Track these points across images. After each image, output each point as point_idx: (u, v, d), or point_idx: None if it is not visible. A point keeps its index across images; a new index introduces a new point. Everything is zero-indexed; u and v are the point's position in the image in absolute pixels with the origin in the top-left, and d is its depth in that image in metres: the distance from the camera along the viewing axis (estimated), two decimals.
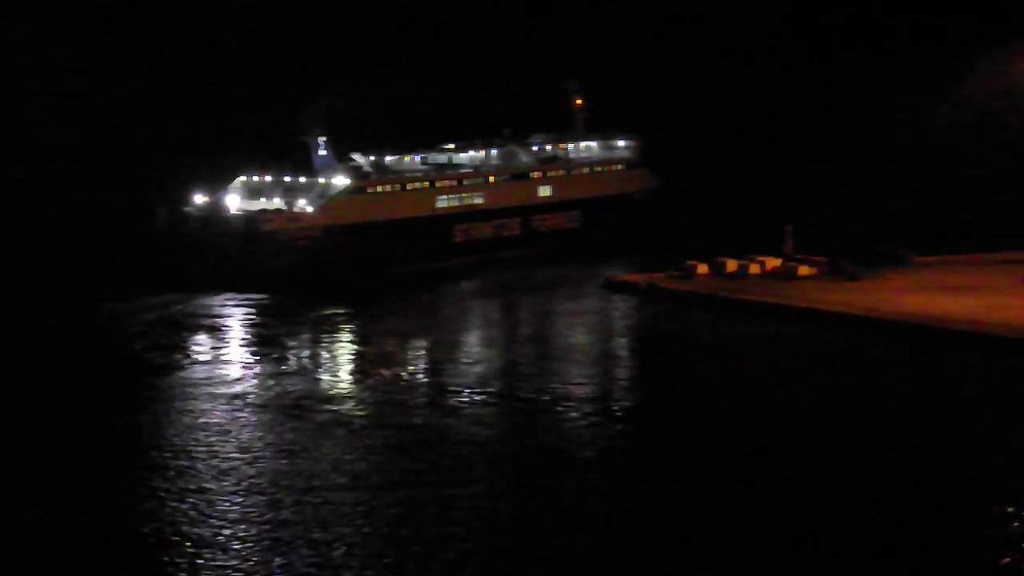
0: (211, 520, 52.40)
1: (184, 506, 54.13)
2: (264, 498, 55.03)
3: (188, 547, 49.69)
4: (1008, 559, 46.69)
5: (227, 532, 51.03)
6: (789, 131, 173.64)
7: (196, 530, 51.45)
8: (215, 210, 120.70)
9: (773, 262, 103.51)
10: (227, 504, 54.25)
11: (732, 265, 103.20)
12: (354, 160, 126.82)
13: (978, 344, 79.32)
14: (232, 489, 56.17)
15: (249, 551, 49.22)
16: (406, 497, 54.84)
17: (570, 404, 69.73)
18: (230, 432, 65.15)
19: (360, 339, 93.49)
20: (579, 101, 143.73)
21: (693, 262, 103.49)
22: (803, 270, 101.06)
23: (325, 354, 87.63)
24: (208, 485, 56.79)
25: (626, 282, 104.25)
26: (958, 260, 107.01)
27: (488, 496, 55.04)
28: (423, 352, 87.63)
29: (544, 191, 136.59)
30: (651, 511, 53.87)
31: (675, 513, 53.23)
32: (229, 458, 60.69)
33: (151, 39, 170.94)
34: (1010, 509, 51.61)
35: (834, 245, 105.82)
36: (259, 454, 61.58)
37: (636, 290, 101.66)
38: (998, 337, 79.44)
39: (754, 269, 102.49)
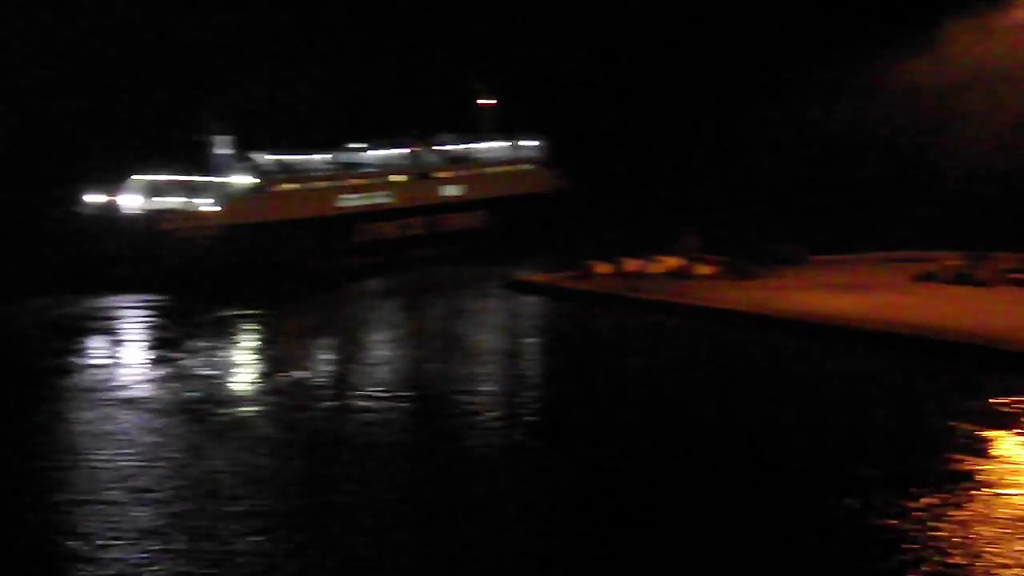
0: (101, 530, 50.87)
1: (73, 516, 52.59)
2: (158, 506, 53.62)
3: (79, 559, 48.18)
4: (894, 551, 47.10)
5: (119, 543, 49.46)
6: (697, 131, 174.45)
7: (85, 541, 49.92)
8: (111, 210, 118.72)
9: (672, 261, 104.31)
10: (118, 513, 52.66)
11: (632, 264, 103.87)
12: (256, 159, 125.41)
13: (865, 340, 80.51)
14: (124, 498, 54.64)
15: (140, 563, 47.64)
16: (307, 502, 53.94)
17: (473, 404, 69.41)
18: (124, 438, 63.60)
19: (260, 340, 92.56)
20: (487, 101, 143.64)
21: (593, 261, 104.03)
22: (701, 269, 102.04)
23: (225, 356, 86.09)
24: (98, 494, 55.27)
25: (527, 282, 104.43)
26: (852, 259, 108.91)
27: (392, 499, 54.13)
28: (324, 353, 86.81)
29: (450, 191, 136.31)
30: (556, 509, 53.50)
31: (582, 512, 52.86)
32: (122, 464, 59.19)
33: (41, 32, 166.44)
34: (891, 500, 51.91)
35: (733, 244, 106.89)
36: (154, 459, 60.06)
37: (537, 290, 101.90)
38: (885, 333, 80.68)
39: (654, 268, 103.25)
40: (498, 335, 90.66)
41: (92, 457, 60.50)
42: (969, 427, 62.04)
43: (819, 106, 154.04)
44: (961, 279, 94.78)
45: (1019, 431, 61.63)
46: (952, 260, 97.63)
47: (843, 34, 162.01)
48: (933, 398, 68.08)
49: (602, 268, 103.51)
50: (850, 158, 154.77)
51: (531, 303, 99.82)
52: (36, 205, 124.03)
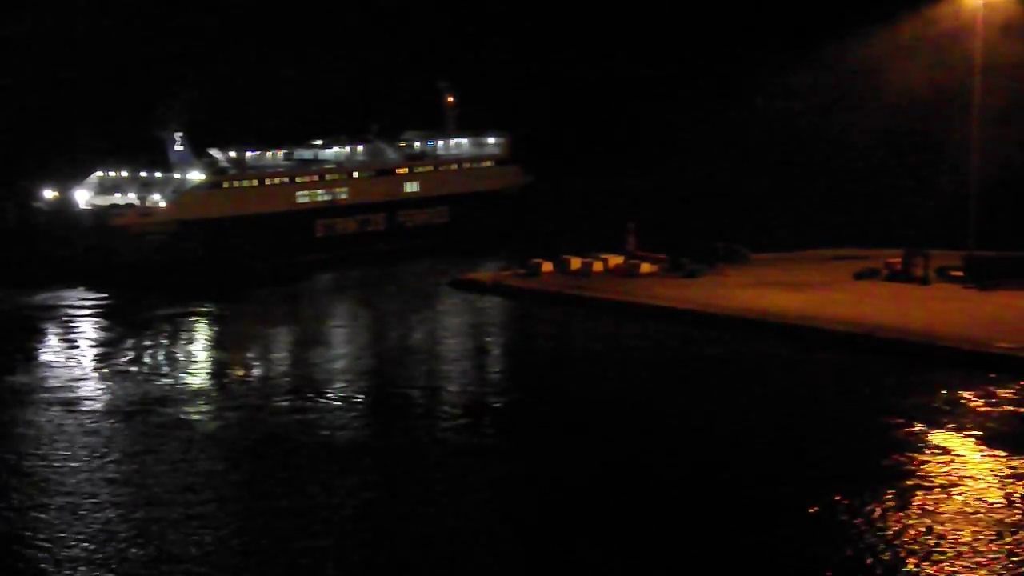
0: (26, 537, 47.74)
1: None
2: (91, 511, 50.32)
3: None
4: (842, 549, 45.48)
5: (46, 550, 46.35)
6: (656, 129, 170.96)
7: (11, 549, 46.87)
8: (65, 205, 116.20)
9: (616, 259, 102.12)
10: (49, 519, 49.51)
11: (576, 263, 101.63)
12: (214, 155, 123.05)
13: (808, 337, 78.61)
14: (57, 502, 51.34)
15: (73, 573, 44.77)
16: (251, 505, 50.98)
17: (417, 402, 67.05)
18: (59, 439, 60.19)
19: (206, 338, 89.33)
20: (451, 99, 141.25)
21: (538, 260, 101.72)
22: (645, 267, 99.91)
23: (170, 354, 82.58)
24: (29, 498, 52.09)
25: (473, 280, 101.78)
26: (794, 257, 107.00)
27: (345, 502, 51.27)
28: (272, 351, 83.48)
29: (410, 187, 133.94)
30: (512, 507, 51.61)
31: (537, 510, 51.03)
32: (55, 467, 55.95)
33: None
34: (838, 498, 50.27)
35: (676, 242, 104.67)
36: (89, 462, 56.69)
37: (482, 288, 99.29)
38: (827, 331, 78.82)
39: (597, 267, 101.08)
40: (442, 335, 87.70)
41: (19, 460, 57.22)
42: (910, 424, 60.44)
43: (769, 105, 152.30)
44: (900, 277, 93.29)
45: (957, 427, 60.07)
46: (891, 258, 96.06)
47: (795, 34, 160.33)
48: (874, 395, 66.42)
49: (547, 266, 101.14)
50: (796, 157, 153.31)
51: (475, 302, 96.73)
52: None
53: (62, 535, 47.97)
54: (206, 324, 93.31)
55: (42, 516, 49.97)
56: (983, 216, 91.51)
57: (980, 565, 43.97)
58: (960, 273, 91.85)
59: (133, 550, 46.31)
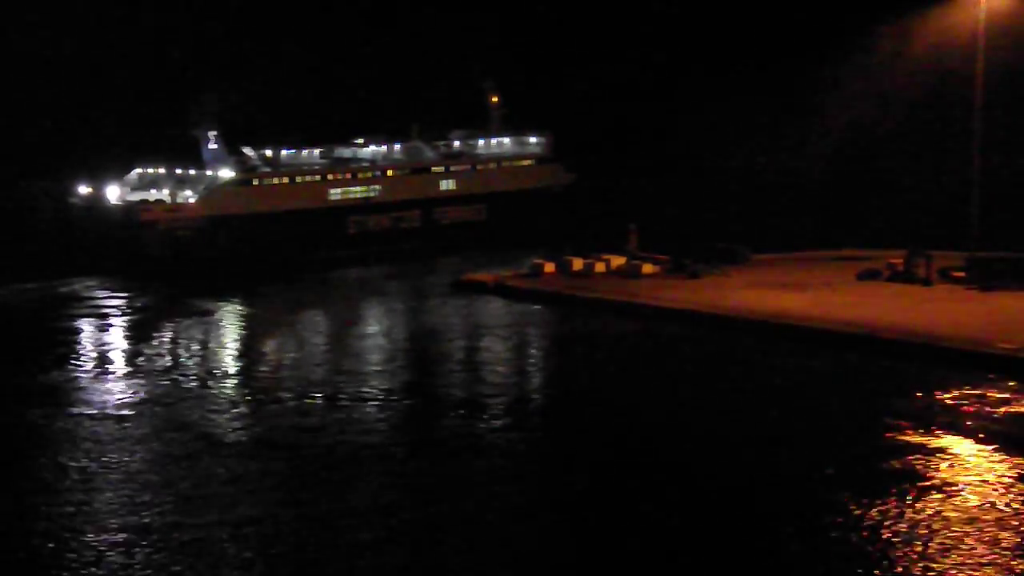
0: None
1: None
2: (76, 520, 46.60)
3: None
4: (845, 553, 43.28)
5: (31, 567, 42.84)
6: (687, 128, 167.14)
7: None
8: (98, 201, 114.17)
9: (618, 260, 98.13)
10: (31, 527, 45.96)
11: (578, 263, 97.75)
12: (247, 153, 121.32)
13: (810, 338, 74.86)
14: (41, 511, 47.69)
15: None
16: (250, 512, 47.60)
17: (414, 404, 64.02)
18: (54, 442, 56.70)
19: (213, 336, 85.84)
20: (495, 98, 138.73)
21: (540, 260, 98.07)
22: (647, 268, 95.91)
23: (174, 353, 78.71)
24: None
25: (476, 281, 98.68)
26: (795, 257, 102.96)
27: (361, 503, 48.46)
28: (271, 351, 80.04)
29: (446, 185, 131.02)
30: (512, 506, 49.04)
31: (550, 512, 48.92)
32: (43, 470, 52.80)
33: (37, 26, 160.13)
34: (841, 501, 47.96)
35: (678, 243, 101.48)
36: (79, 466, 52.94)
37: (483, 289, 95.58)
38: (829, 332, 75.14)
39: (600, 267, 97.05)
40: (444, 336, 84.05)
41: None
42: (912, 425, 57.84)
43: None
44: (902, 277, 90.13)
45: (959, 428, 57.42)
46: (893, 259, 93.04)
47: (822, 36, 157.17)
48: (876, 396, 63.45)
49: (549, 267, 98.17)
50: (801, 159, 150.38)
51: (477, 302, 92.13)
52: (31, 195, 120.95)
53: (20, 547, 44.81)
54: (216, 321, 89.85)
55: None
56: (985, 216, 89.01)
57: (982, 567, 41.50)
58: (962, 274, 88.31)
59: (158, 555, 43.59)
